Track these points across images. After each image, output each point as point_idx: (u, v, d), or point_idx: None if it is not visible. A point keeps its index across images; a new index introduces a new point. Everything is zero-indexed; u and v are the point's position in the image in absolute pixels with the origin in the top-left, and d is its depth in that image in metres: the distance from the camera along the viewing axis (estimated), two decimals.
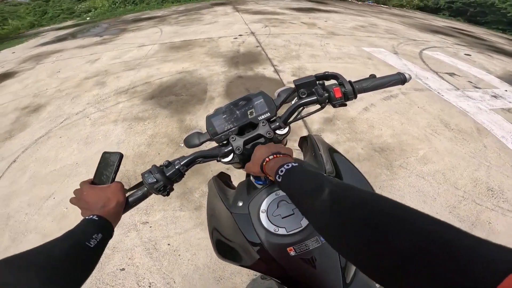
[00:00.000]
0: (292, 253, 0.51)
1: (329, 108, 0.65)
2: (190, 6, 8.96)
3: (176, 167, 0.60)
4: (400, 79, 0.65)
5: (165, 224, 1.62)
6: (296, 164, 0.45)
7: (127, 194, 0.59)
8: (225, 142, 0.68)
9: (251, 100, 0.66)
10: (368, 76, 0.67)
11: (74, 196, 0.56)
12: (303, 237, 0.51)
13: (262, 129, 0.64)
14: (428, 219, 0.26)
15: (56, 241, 0.42)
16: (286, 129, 0.68)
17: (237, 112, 0.66)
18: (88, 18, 9.16)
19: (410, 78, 0.67)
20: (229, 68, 3.50)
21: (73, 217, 1.67)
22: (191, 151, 0.69)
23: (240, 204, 0.61)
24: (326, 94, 0.63)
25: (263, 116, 0.65)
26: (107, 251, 1.40)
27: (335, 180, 0.39)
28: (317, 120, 2.41)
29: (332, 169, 0.64)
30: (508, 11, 7.23)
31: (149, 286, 1.37)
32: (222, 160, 0.67)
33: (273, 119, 0.67)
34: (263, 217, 0.56)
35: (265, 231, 0.54)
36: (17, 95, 3.34)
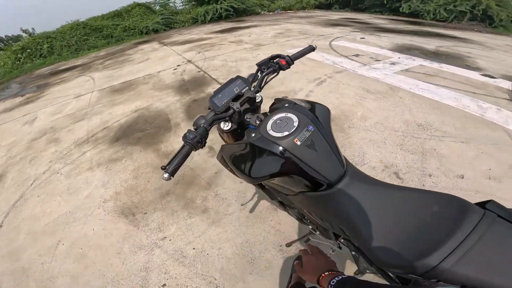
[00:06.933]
0: (298, 142, 0.79)
1: None
2: (111, 50, 8.80)
3: (203, 126, 0.82)
4: (312, 48, 1.19)
5: (182, 233, 1.76)
6: (347, 276, 0.56)
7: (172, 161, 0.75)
8: (224, 112, 0.91)
9: (233, 82, 0.98)
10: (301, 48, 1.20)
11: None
12: (298, 131, 0.80)
13: (248, 93, 0.96)
14: None
15: None
16: (260, 98, 1.03)
17: (227, 91, 0.95)
18: None
19: (316, 47, 1.23)
20: (181, 95, 3.74)
21: (93, 255, 1.71)
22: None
23: (253, 134, 0.86)
24: (277, 65, 1.07)
25: (245, 89, 0.98)
26: (141, 273, 1.52)
27: None
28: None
29: (308, 105, 0.95)
30: None
31: None
32: (224, 128, 0.92)
33: (251, 89, 1.00)
34: (271, 132, 0.82)
35: (277, 138, 0.80)
36: None
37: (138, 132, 3.02)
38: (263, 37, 6.26)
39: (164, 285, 1.50)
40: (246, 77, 1.06)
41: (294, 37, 5.94)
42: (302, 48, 1.18)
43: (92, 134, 3.13)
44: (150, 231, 1.81)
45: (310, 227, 1.23)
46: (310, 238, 1.46)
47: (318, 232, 1.20)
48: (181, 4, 12.28)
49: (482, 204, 0.72)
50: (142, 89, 4.24)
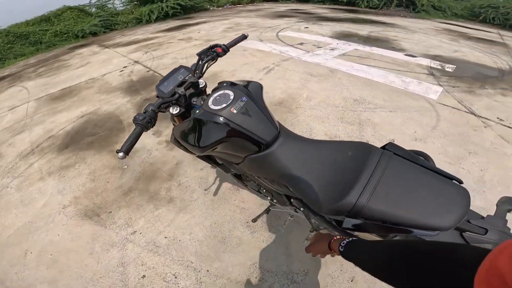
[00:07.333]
0: (235, 111, 0.94)
1: None
2: (43, 57, 7.87)
3: (151, 109, 0.91)
4: (244, 36, 1.37)
5: (151, 225, 1.80)
6: (355, 238, 0.64)
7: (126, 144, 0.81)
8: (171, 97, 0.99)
9: (177, 71, 1.09)
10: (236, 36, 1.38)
11: None
12: (234, 102, 0.95)
13: (191, 79, 1.07)
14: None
15: None
16: (204, 83, 1.15)
17: (172, 79, 1.06)
18: None
19: (248, 35, 1.42)
20: (132, 96, 3.63)
21: (64, 259, 1.67)
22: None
23: (197, 111, 0.98)
24: (215, 53, 1.21)
25: (188, 75, 1.09)
26: (119, 269, 1.54)
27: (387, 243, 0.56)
28: None
29: (245, 83, 1.10)
30: None
31: (175, 277, 1.50)
32: (173, 112, 1.00)
33: (194, 75, 1.11)
34: (212, 106, 0.95)
35: (217, 110, 0.93)
36: None
37: (88, 136, 2.88)
38: (213, 33, 6.28)
39: (144, 276, 1.53)
40: (189, 66, 1.17)
41: (243, 31, 6.07)
42: (235, 37, 1.36)
43: (36, 144, 2.89)
44: (119, 228, 1.81)
45: (268, 198, 1.39)
46: (270, 209, 1.64)
47: (275, 201, 1.37)
48: (122, 4, 11.47)
49: (384, 147, 0.94)
50: (86, 94, 3.99)
